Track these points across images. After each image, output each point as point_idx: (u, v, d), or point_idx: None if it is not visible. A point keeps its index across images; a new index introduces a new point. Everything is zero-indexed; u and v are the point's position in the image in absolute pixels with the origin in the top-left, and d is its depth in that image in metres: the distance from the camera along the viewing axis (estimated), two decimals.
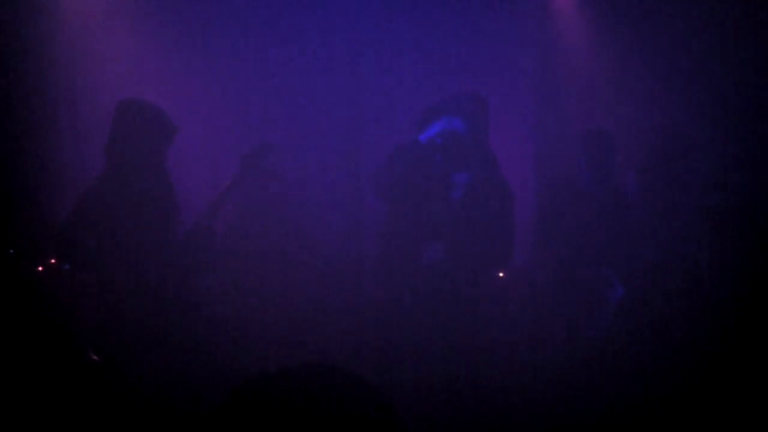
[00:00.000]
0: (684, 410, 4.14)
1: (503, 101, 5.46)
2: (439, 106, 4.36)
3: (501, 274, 5.09)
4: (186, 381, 4.11)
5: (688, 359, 4.41)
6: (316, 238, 5.52)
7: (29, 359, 4.21)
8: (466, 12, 5.97)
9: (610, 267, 4.82)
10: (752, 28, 5.54)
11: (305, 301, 5.24)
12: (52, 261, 4.81)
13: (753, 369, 4.19)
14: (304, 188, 5.78)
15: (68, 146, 5.54)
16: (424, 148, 4.28)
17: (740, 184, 4.92)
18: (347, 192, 5.73)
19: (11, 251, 4.78)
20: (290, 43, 5.81)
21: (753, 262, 4.48)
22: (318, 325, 5.05)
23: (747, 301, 4.43)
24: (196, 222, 4.44)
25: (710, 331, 4.46)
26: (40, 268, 4.82)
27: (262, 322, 5.00)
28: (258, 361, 4.33)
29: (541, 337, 4.88)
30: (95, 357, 4.12)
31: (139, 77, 5.34)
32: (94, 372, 4.06)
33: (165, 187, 4.49)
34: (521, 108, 6.22)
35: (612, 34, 6.00)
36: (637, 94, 5.99)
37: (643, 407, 4.24)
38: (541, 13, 6.22)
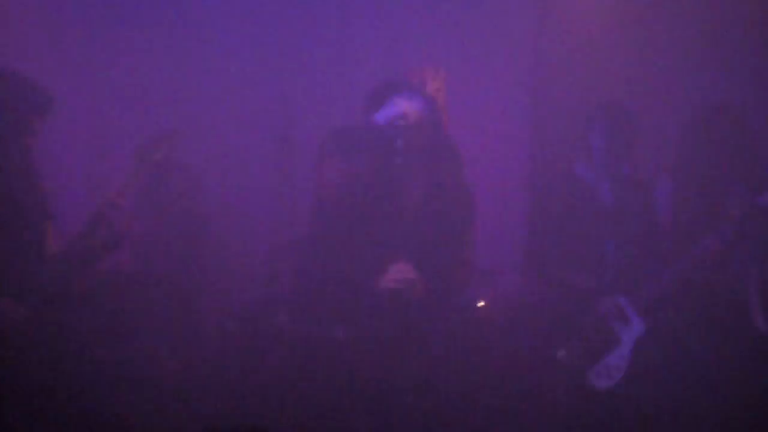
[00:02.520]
0: None
1: (483, 72, 5.28)
2: (397, 81, 4.15)
3: (481, 303, 4.66)
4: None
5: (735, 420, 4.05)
6: (230, 253, 5.20)
7: None
8: None
9: (627, 295, 4.22)
10: None
11: (214, 332, 4.79)
12: None
13: None
14: (221, 184, 5.46)
15: None
16: (380, 132, 3.93)
17: None
18: (276, 189, 5.08)
19: None
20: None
21: None
22: (228, 366, 4.53)
23: None
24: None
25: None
26: None
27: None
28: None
29: (534, 390, 4.34)
30: None
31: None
32: None
33: (27, 178, 4.11)
34: (508, 82, 5.58)
35: None
36: (668, 64, 5.32)
37: None
38: None
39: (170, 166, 4.90)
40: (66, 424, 3.95)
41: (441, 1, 5.53)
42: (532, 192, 5.14)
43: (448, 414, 3.93)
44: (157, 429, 4.16)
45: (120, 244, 4.27)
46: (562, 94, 5.42)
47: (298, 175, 4.83)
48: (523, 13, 5.45)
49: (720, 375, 4.12)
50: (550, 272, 4.48)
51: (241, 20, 5.50)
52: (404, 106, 3.94)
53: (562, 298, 4.43)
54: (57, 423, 3.93)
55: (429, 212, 3.99)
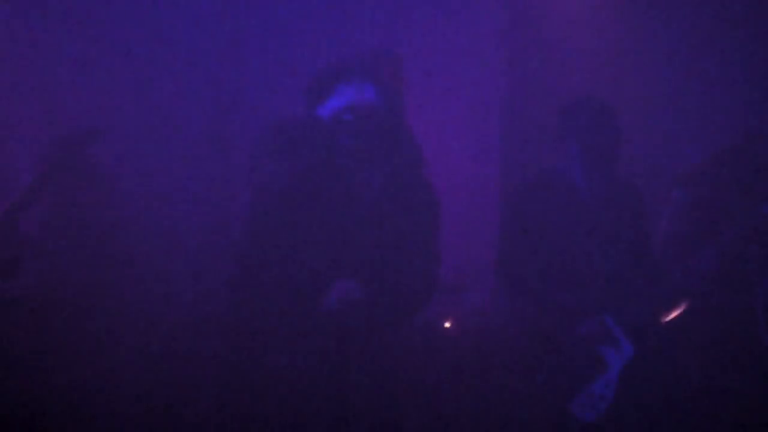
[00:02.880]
0: None
1: (448, 59, 5.17)
2: (344, 67, 3.97)
3: (447, 323, 4.70)
4: None
5: None
6: (155, 266, 4.94)
7: None
8: None
9: (614, 315, 4.15)
10: None
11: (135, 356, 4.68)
12: None
13: None
14: (143, 188, 5.17)
15: None
16: (325, 127, 3.80)
17: None
18: (207, 192, 5.11)
19: None
20: None
21: None
22: (150, 396, 4.48)
23: None
24: None
25: None
26: None
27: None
28: None
29: (509, 422, 4.35)
30: None
31: None
32: None
33: None
34: (479, 71, 5.47)
35: None
36: (655, 62, 5.37)
37: None
38: None
39: (83, 169, 4.78)
40: None
41: None
42: (504, 195, 5.14)
43: None
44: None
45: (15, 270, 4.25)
46: (538, 84, 5.41)
47: (233, 176, 4.79)
48: None
49: (723, 405, 4.09)
50: (525, 287, 4.37)
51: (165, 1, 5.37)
52: (352, 97, 3.80)
53: (539, 316, 4.33)
54: None
55: (384, 216, 3.84)
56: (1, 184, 4.91)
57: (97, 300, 4.70)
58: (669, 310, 4.20)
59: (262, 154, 3.82)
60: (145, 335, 4.70)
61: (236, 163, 4.62)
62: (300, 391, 3.72)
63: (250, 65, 5.41)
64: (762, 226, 4.10)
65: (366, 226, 3.85)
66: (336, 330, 3.72)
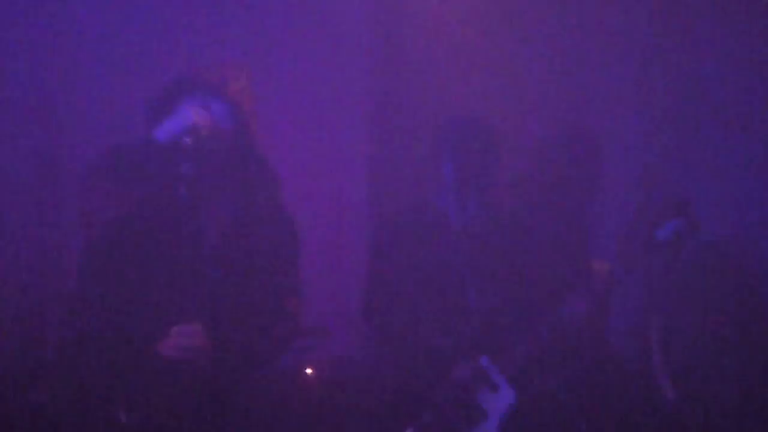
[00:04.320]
0: None
1: (308, 71, 5.01)
2: (186, 83, 3.84)
3: (309, 370, 4.61)
4: None
5: None
6: None
7: None
8: None
9: (493, 356, 4.00)
10: None
11: None
12: None
13: None
14: None
15: None
16: (160, 152, 3.62)
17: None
18: (35, 225, 4.81)
19: None
20: None
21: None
22: None
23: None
24: None
25: None
26: None
27: None
28: None
29: None
30: None
31: None
32: None
33: None
34: (340, 85, 5.29)
35: None
36: (544, 74, 5.16)
37: None
38: None
39: None
40: None
41: None
42: (371, 225, 5.09)
43: None
44: None
45: None
46: (410, 102, 5.28)
47: (65, 206, 4.65)
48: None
49: None
50: (394, 328, 4.18)
51: None
52: (194, 117, 3.61)
53: (410, 360, 4.13)
54: None
55: (233, 250, 3.69)
56: None
57: None
58: (554, 352, 4.00)
59: (94, 186, 3.62)
60: None
61: (67, 193, 4.39)
62: None
63: (85, 81, 5.08)
64: (654, 255, 3.91)
65: (212, 263, 3.69)
66: (176, 380, 3.50)
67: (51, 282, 4.82)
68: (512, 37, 5.28)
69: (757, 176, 4.75)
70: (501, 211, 4.37)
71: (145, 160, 3.62)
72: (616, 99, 5.20)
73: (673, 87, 5.16)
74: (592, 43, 5.26)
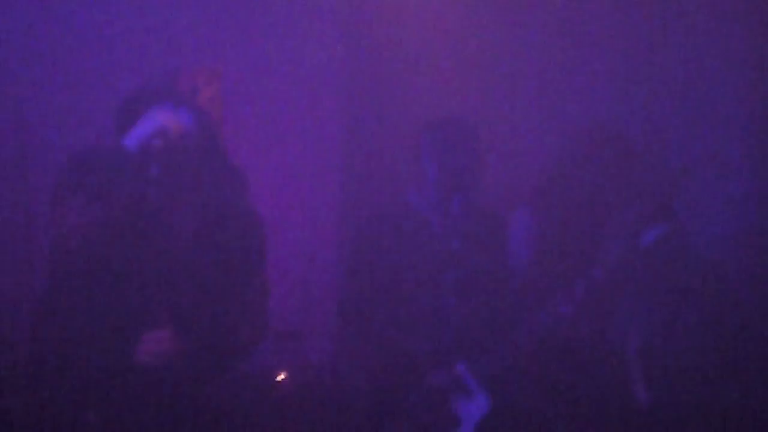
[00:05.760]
0: None
1: (279, 75, 4.94)
2: (154, 88, 3.93)
3: (281, 376, 4.52)
4: None
5: None
6: None
7: None
8: None
9: (469, 362, 4.01)
10: None
11: None
12: None
13: None
14: None
15: None
16: (128, 157, 3.61)
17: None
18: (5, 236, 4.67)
19: None
20: None
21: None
22: None
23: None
24: None
25: None
26: None
27: None
28: None
29: None
30: None
31: None
32: None
33: None
34: (314, 87, 5.15)
35: None
36: (529, 74, 5.08)
37: None
38: None
39: None
40: None
41: None
42: (346, 228, 4.95)
43: None
44: None
45: None
46: (387, 104, 5.16)
47: (36, 215, 4.59)
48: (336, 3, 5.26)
49: None
50: (370, 333, 4.19)
51: None
52: (163, 121, 3.63)
53: (385, 366, 4.12)
54: None
55: (202, 252, 3.68)
56: None
57: None
58: (533, 358, 3.97)
59: (63, 194, 3.55)
60: None
61: (37, 201, 4.40)
62: None
63: (54, 86, 4.93)
64: (635, 263, 3.91)
65: (181, 267, 3.66)
66: (147, 383, 3.48)
67: (20, 286, 4.73)
68: (492, 35, 5.21)
69: (757, 176, 4.74)
70: (483, 213, 4.34)
71: (116, 170, 3.60)
72: (616, 99, 5.11)
73: (673, 86, 5.07)
74: (591, 42, 5.14)
